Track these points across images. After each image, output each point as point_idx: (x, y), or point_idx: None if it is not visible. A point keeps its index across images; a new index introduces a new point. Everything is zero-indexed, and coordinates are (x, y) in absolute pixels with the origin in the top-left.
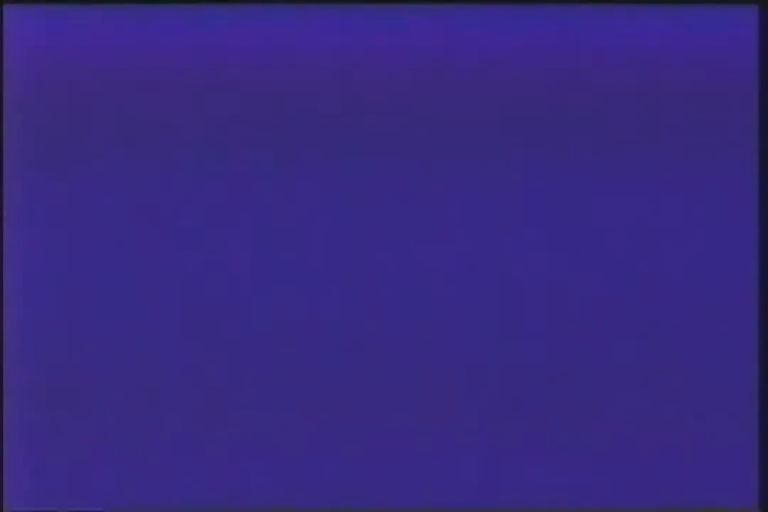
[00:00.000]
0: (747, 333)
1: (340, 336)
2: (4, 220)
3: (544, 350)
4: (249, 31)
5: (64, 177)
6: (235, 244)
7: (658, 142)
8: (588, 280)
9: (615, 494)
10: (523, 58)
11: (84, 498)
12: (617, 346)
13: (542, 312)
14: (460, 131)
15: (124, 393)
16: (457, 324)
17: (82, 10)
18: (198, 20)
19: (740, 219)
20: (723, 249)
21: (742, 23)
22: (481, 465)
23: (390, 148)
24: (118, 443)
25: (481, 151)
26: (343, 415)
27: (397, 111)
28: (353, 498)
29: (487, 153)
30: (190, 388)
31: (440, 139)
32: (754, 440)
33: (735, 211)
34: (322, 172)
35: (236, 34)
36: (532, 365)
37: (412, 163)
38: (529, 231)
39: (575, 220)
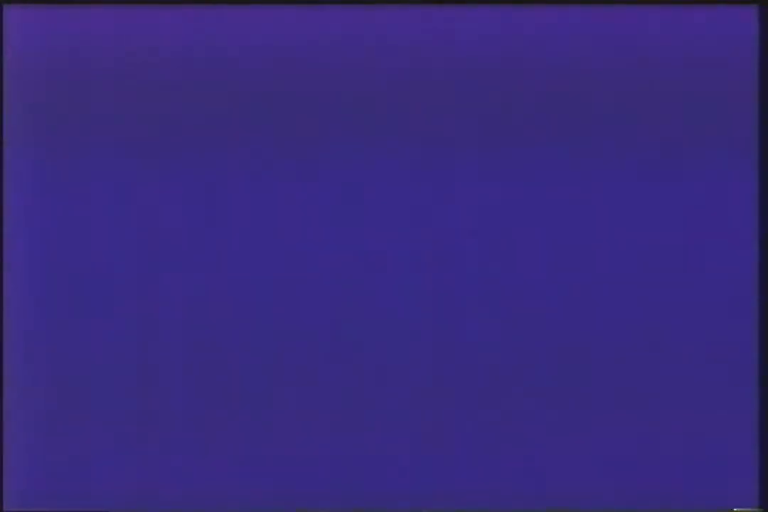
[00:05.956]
0: (747, 333)
1: (340, 337)
2: (4, 220)
3: (545, 349)
4: (249, 30)
5: (64, 176)
6: (236, 242)
7: (657, 142)
8: (589, 280)
9: (615, 494)
10: (522, 58)
11: (84, 498)
12: (618, 345)
13: (541, 312)
14: (461, 130)
15: (124, 394)
16: (456, 325)
17: (82, 10)
18: (198, 20)
19: (740, 218)
20: (723, 248)
21: (742, 23)
22: (481, 465)
23: (388, 151)
24: (118, 444)
25: (481, 154)
26: (341, 416)
27: (396, 111)
28: (353, 498)
29: (486, 155)
30: (190, 389)
31: (440, 139)
32: (754, 440)
33: (735, 211)
34: (324, 173)
35: (236, 34)
36: (533, 364)
37: (413, 164)
38: (529, 229)
39: (576, 219)
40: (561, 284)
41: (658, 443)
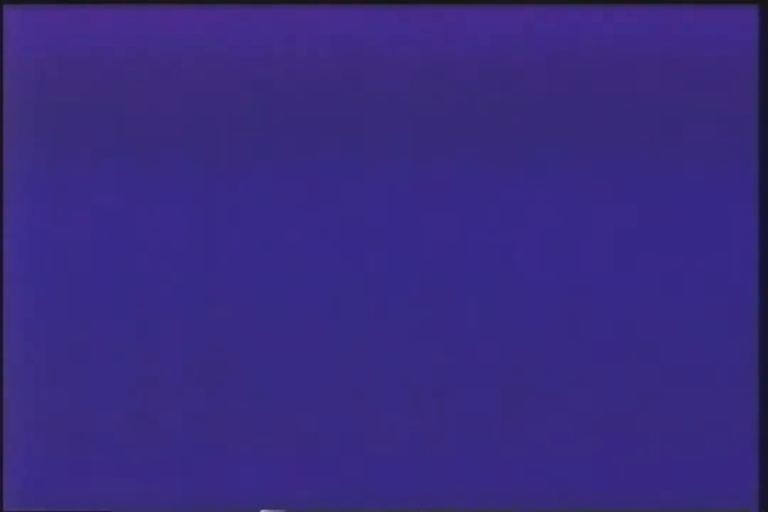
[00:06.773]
0: (748, 334)
1: (341, 337)
2: (4, 221)
3: (546, 350)
4: (251, 31)
5: (64, 176)
6: (234, 242)
7: (657, 143)
8: (588, 280)
9: (615, 494)
10: (522, 58)
11: (84, 498)
12: (618, 346)
13: (542, 312)
14: (461, 130)
15: (124, 394)
16: (457, 326)
17: (82, 10)
18: (199, 20)
19: (741, 218)
20: (723, 247)
21: (742, 23)
22: (480, 465)
23: (388, 150)
24: (118, 444)
25: (481, 155)
26: (342, 417)
27: (396, 111)
28: (353, 499)
29: (486, 155)
30: (190, 389)
31: (440, 139)
32: (754, 440)
33: (735, 210)
34: (324, 173)
35: (237, 34)
36: (532, 363)
37: (413, 164)
38: (530, 228)
39: (577, 219)
40: (561, 284)
41: (658, 443)
